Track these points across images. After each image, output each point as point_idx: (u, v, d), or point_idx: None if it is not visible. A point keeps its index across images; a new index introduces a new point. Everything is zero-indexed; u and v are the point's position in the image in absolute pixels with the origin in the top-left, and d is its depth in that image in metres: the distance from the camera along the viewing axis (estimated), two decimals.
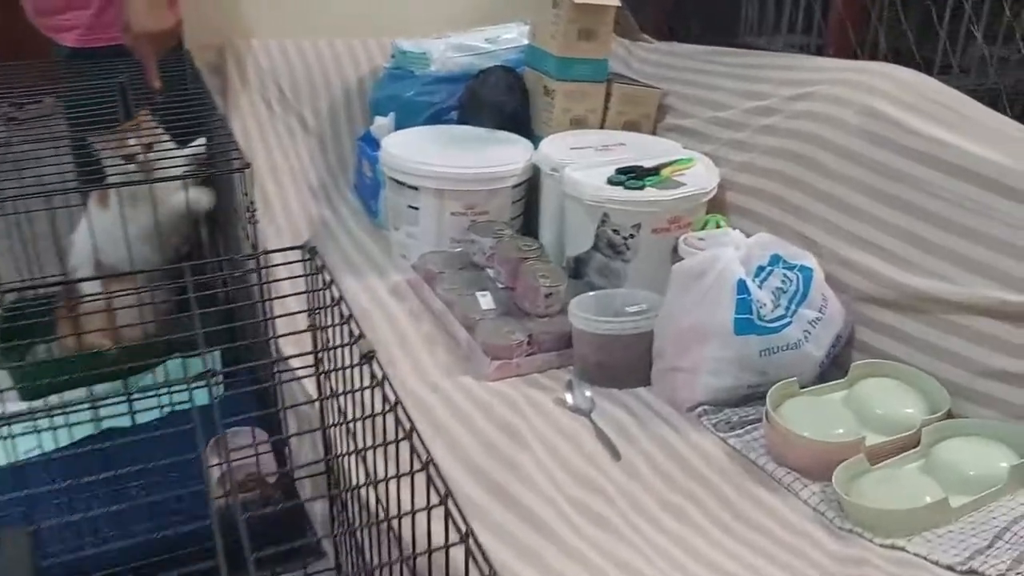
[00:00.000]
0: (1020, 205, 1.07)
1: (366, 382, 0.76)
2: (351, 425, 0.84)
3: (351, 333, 0.80)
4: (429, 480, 0.64)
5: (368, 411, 0.76)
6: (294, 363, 1.15)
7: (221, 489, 1.37)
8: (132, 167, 1.49)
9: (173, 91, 1.54)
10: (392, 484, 0.70)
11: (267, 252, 0.99)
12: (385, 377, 0.72)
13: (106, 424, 1.13)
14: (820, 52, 1.85)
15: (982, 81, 1.67)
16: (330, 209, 1.75)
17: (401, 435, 0.67)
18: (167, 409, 1.18)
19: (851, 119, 1.28)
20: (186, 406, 1.05)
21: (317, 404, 0.95)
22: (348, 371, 0.81)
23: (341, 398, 0.85)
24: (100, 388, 1.22)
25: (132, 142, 1.43)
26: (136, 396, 1.20)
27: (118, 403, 1.18)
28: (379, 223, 1.70)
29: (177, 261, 1.71)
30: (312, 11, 1.97)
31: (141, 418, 0.97)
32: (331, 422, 0.91)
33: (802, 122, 1.35)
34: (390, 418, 0.71)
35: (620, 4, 1.54)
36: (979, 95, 1.62)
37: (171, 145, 1.48)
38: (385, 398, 0.70)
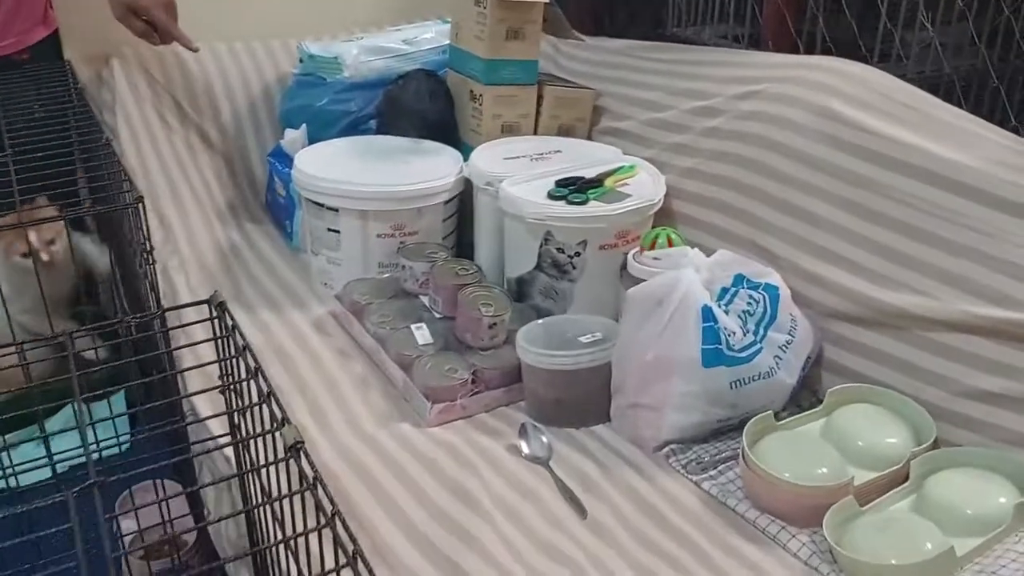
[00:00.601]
0: (992, 210, 0.99)
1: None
2: (278, 514, 0.71)
3: (272, 417, 0.67)
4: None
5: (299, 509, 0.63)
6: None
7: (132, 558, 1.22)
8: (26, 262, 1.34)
9: (50, 112, 1.36)
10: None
11: (166, 310, 0.85)
12: (317, 478, 0.59)
13: None
14: (754, 42, 1.78)
15: (922, 69, 1.62)
16: (240, 233, 1.59)
17: (343, 560, 0.54)
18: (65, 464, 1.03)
19: (803, 120, 1.19)
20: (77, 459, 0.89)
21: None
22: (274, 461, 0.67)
23: (265, 480, 0.72)
24: None
25: (32, 237, 1.30)
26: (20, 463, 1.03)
27: None
28: (296, 246, 1.55)
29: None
30: (208, 12, 1.79)
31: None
32: (260, 538, 0.78)
33: (750, 123, 1.26)
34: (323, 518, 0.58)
35: (548, 0, 1.43)
36: (921, 83, 1.57)
37: (75, 237, 1.35)
38: (319, 507, 0.57)
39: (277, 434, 0.66)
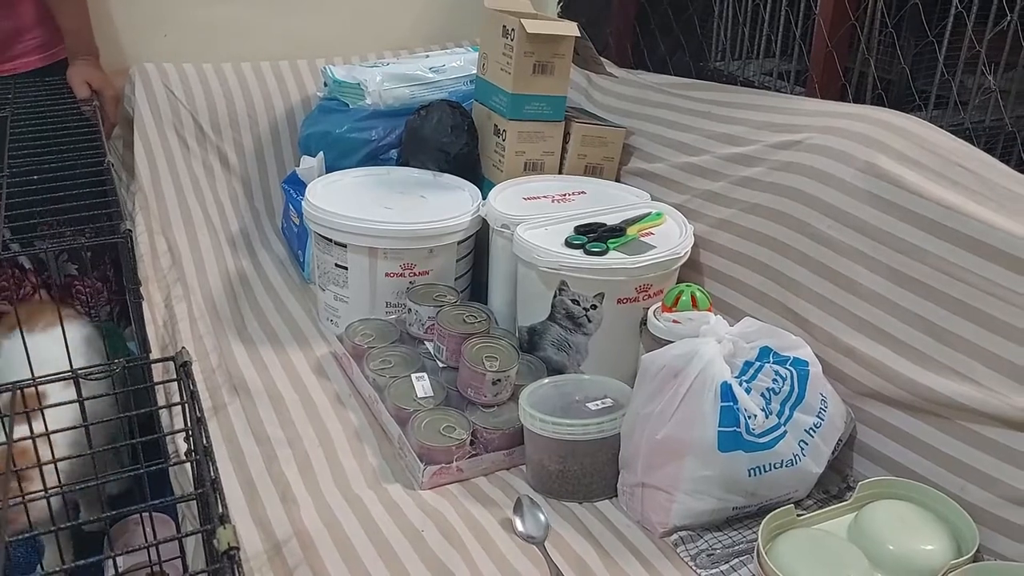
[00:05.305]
0: None
1: None
2: None
3: (216, 515, 0.59)
4: None
5: None
6: None
7: None
8: None
9: (59, 130, 1.31)
10: None
11: (125, 366, 0.78)
12: None
13: None
14: (801, 80, 1.68)
15: (982, 118, 1.50)
16: (251, 261, 1.53)
17: None
18: None
19: (846, 175, 1.09)
20: None
21: None
22: None
23: None
24: None
25: None
26: None
27: None
28: (309, 276, 1.49)
29: None
30: (235, 30, 1.75)
31: None
32: None
33: (789, 175, 1.17)
34: None
35: (580, 33, 1.35)
36: (979, 134, 1.45)
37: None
38: None
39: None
